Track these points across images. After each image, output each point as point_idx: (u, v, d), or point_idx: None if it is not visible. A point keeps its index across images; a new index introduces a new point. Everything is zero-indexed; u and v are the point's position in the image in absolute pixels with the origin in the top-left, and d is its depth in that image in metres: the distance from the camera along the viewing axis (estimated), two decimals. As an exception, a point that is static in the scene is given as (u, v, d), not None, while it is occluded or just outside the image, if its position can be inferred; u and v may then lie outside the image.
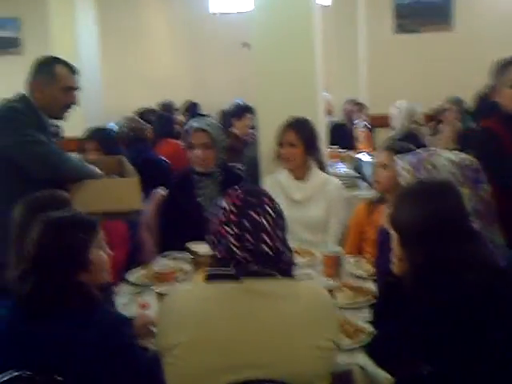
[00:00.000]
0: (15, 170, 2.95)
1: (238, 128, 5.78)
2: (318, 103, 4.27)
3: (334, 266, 2.87)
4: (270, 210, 1.86)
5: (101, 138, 4.06)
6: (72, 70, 3.20)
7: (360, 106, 7.13)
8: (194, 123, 3.75)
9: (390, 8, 8.37)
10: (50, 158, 3.01)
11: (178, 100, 8.60)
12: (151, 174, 4.10)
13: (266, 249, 1.81)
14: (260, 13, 4.16)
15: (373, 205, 3.40)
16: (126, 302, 2.68)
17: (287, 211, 3.48)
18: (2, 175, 3.00)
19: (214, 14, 9.54)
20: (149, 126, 5.26)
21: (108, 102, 8.15)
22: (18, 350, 1.96)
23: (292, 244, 3.01)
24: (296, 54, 4.11)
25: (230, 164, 4.28)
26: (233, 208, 1.84)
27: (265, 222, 1.83)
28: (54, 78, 3.11)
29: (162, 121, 6.29)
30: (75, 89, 3.20)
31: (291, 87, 4.10)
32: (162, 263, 3.09)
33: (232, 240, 1.81)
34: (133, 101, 8.45)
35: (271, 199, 1.92)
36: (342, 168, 5.29)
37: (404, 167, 2.39)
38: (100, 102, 7.90)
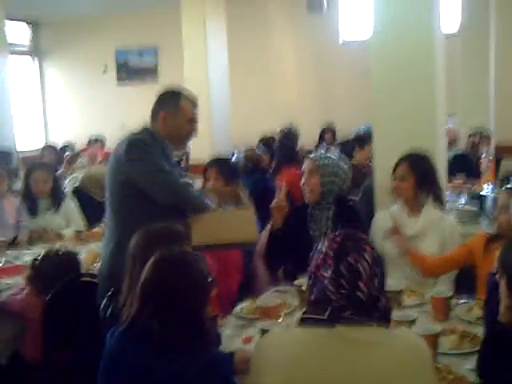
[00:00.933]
0: (143, 198, 3.11)
1: (358, 158, 5.70)
2: (439, 135, 4.16)
3: (442, 308, 2.80)
4: (367, 256, 1.84)
5: (220, 167, 4.18)
6: (194, 103, 3.35)
7: (486, 138, 6.85)
8: None
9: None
10: (172, 186, 3.16)
11: (305, 127, 8.66)
12: (269, 204, 4.16)
13: (361, 296, 1.80)
14: (378, 40, 4.11)
15: (492, 241, 3.23)
16: (230, 334, 2.73)
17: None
18: (131, 203, 3.17)
19: (343, 42, 9.58)
20: (266, 155, 5.33)
21: (235, 127, 8.35)
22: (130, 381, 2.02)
23: (401, 283, 3.02)
24: (416, 84, 4.02)
25: (346, 197, 4.22)
26: (330, 252, 1.86)
27: (361, 269, 1.81)
28: (179, 111, 3.27)
29: (283, 148, 6.34)
30: (196, 121, 3.35)
31: (410, 118, 4.02)
32: (269, 297, 3.10)
33: (327, 284, 1.82)
34: (260, 127, 8.58)
35: (370, 245, 1.90)
36: (463, 201, 5.13)
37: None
38: (228, 128, 8.11)
